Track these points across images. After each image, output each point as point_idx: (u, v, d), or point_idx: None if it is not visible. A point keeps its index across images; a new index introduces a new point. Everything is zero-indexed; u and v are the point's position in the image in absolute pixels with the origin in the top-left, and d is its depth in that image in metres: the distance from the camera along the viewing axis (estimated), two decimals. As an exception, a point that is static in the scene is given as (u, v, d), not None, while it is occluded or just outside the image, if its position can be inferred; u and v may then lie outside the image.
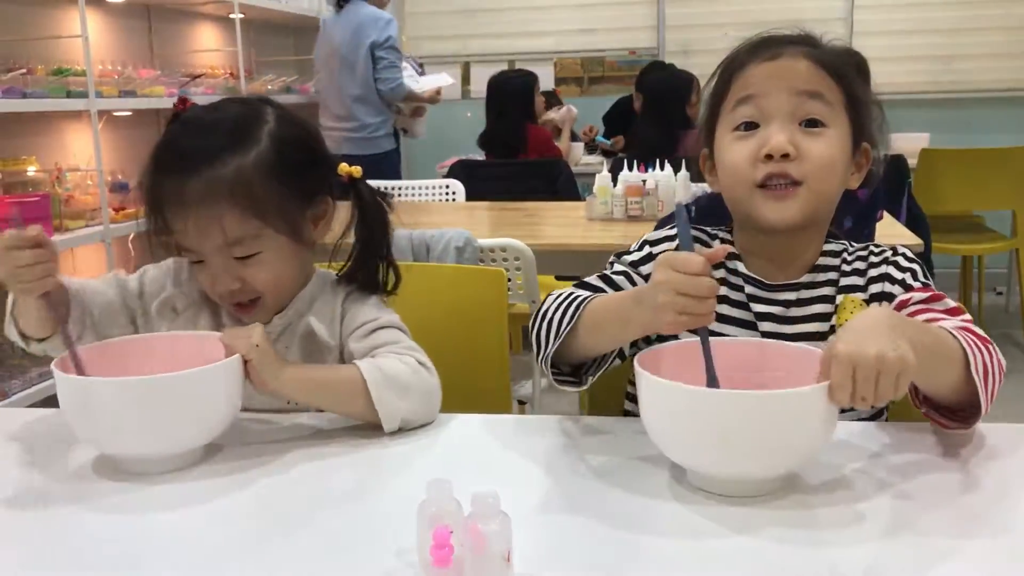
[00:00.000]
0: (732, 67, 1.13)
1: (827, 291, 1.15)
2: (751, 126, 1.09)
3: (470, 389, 1.49)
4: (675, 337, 1.06)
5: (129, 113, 3.57)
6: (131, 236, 3.53)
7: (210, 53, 4.30)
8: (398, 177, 4.72)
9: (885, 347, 0.84)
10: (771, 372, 0.98)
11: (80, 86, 3.05)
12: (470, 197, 3.61)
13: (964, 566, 0.78)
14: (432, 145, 5.24)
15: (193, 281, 1.22)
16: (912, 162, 3.96)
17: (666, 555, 0.81)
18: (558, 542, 0.84)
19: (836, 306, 1.13)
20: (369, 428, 1.10)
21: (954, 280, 4.65)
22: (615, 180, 2.76)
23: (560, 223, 2.81)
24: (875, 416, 1.14)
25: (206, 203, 1.07)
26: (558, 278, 2.98)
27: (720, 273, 1.16)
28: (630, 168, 2.82)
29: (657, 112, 3.76)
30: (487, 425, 1.14)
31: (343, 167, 1.20)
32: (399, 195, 3.67)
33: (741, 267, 1.16)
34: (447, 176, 4.01)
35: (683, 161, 2.77)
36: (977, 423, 1.00)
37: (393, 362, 1.10)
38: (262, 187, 1.10)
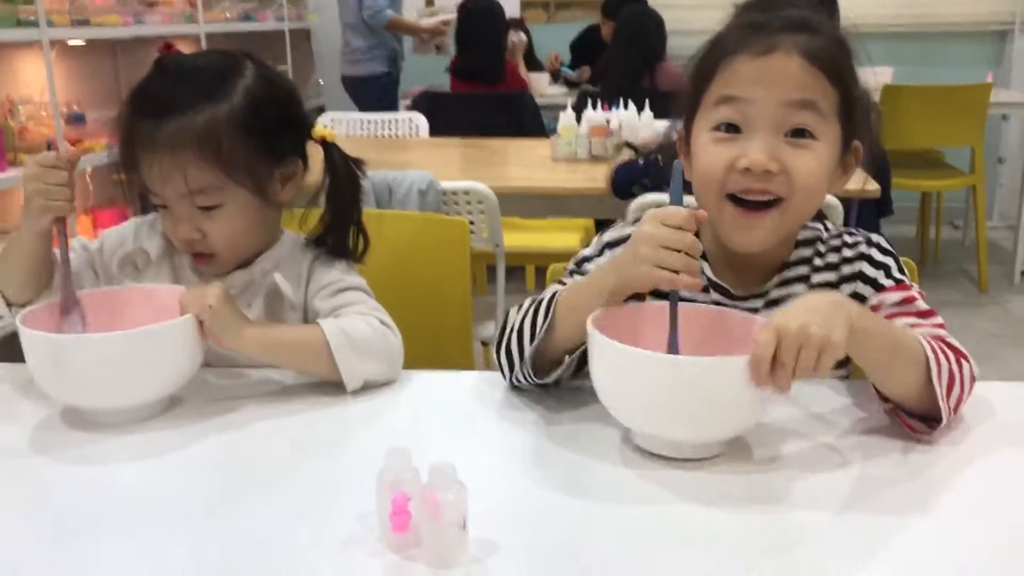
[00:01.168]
0: (720, 51, 1.04)
1: (798, 288, 1.11)
2: (732, 128, 1.02)
3: (433, 335, 1.51)
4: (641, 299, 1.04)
5: (83, 43, 3.47)
6: (89, 171, 3.47)
7: (166, -22, 4.17)
8: (391, 99, 4.77)
9: (812, 322, 0.86)
10: (736, 341, 0.98)
11: (30, 14, 2.95)
12: (434, 130, 3.58)
13: (901, 537, 0.81)
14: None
15: (154, 238, 1.23)
16: (874, 98, 3.97)
17: (613, 519, 0.84)
18: (512, 506, 0.86)
19: None
20: (331, 386, 1.12)
21: (913, 214, 4.73)
22: (579, 116, 2.76)
23: (525, 163, 2.81)
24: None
25: (173, 150, 1.09)
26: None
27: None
28: (594, 106, 2.81)
29: (630, 43, 3.73)
30: (448, 383, 1.16)
31: (317, 130, 1.21)
32: (364, 130, 3.64)
33: (707, 270, 1.12)
34: (411, 107, 3.98)
35: (647, 100, 2.76)
36: (940, 430, 0.97)
37: (357, 322, 1.12)
38: (230, 140, 1.11)
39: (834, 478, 0.90)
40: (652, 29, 3.80)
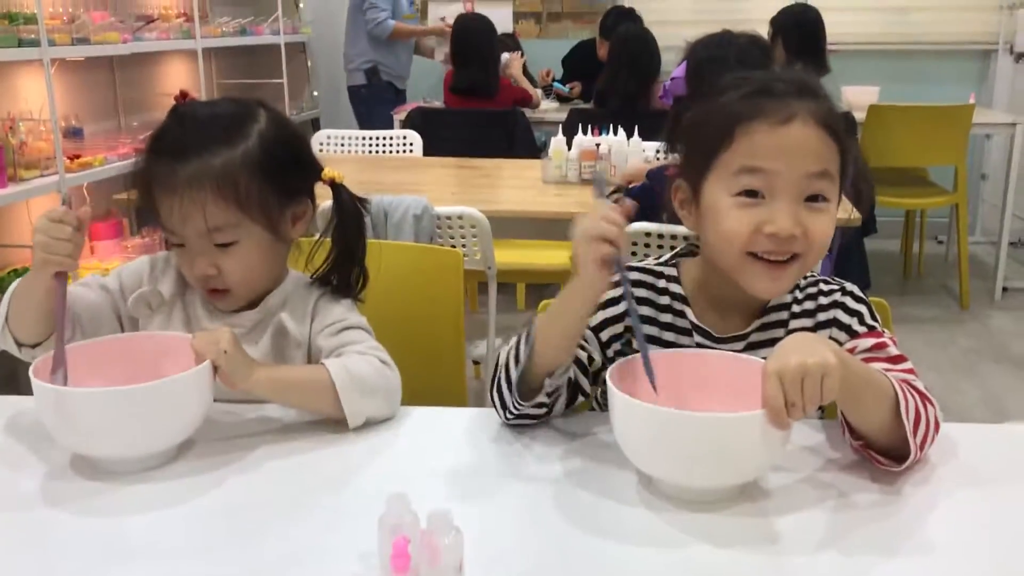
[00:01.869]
0: (735, 118, 1.09)
1: (777, 333, 1.17)
2: (754, 194, 1.08)
3: (427, 362, 1.57)
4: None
5: (81, 58, 3.52)
6: (85, 185, 3.52)
7: (163, -6, 4.22)
8: (360, 113, 4.84)
9: (804, 355, 0.93)
10: (725, 386, 1.06)
11: (31, 33, 3.00)
12: (427, 144, 3.64)
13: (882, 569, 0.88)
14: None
15: (167, 278, 1.29)
16: (861, 116, 4.06)
17: (621, 561, 0.89)
18: (514, 546, 0.92)
19: None
20: (331, 423, 1.17)
21: (898, 229, 4.81)
22: (570, 136, 2.83)
23: (516, 185, 2.87)
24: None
25: (192, 189, 1.15)
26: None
27: (667, 318, 1.20)
28: (584, 128, 2.88)
29: (631, 67, 3.78)
30: (447, 419, 1.22)
31: (327, 172, 1.28)
32: (359, 147, 3.69)
33: (690, 315, 1.18)
34: (405, 123, 4.04)
35: (636, 128, 2.83)
36: (907, 465, 1.03)
37: (359, 362, 1.18)
38: (246, 181, 1.18)
39: (832, 520, 0.96)
40: (650, 51, 3.87)
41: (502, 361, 1.14)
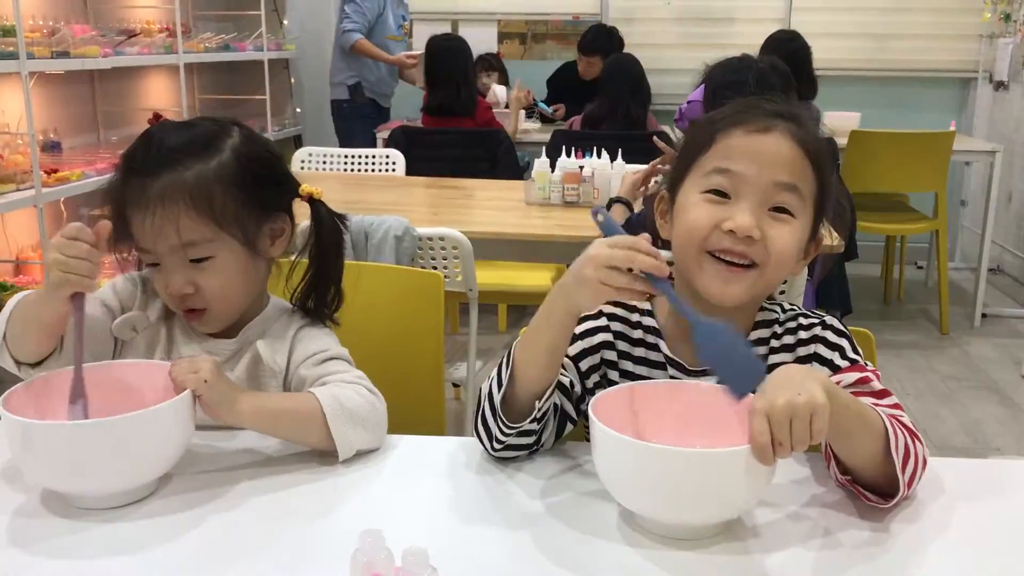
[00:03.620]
0: (717, 126, 1.12)
1: None
2: (721, 194, 1.09)
3: (405, 385, 1.54)
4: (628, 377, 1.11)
5: (62, 71, 3.49)
6: (62, 200, 3.48)
7: (146, 9, 4.19)
8: (340, 128, 4.83)
9: (792, 394, 0.91)
10: (705, 418, 1.03)
11: (10, 46, 2.97)
12: (410, 163, 3.62)
13: None
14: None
15: (156, 299, 1.25)
16: (842, 142, 4.08)
17: None
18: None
19: None
20: (317, 454, 1.14)
21: (878, 254, 4.84)
22: (553, 158, 2.82)
23: (498, 207, 2.85)
24: None
25: (165, 204, 1.13)
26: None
27: (640, 351, 1.18)
28: (568, 151, 2.87)
29: (632, 95, 3.79)
30: (431, 449, 1.19)
31: (304, 188, 1.25)
32: (341, 165, 3.67)
33: (664, 348, 1.17)
34: (388, 141, 4.02)
35: (620, 151, 2.82)
36: (895, 502, 1.01)
37: (348, 392, 1.15)
38: (220, 194, 1.16)
39: (815, 557, 0.94)
40: (644, 75, 3.89)
41: (484, 392, 1.11)
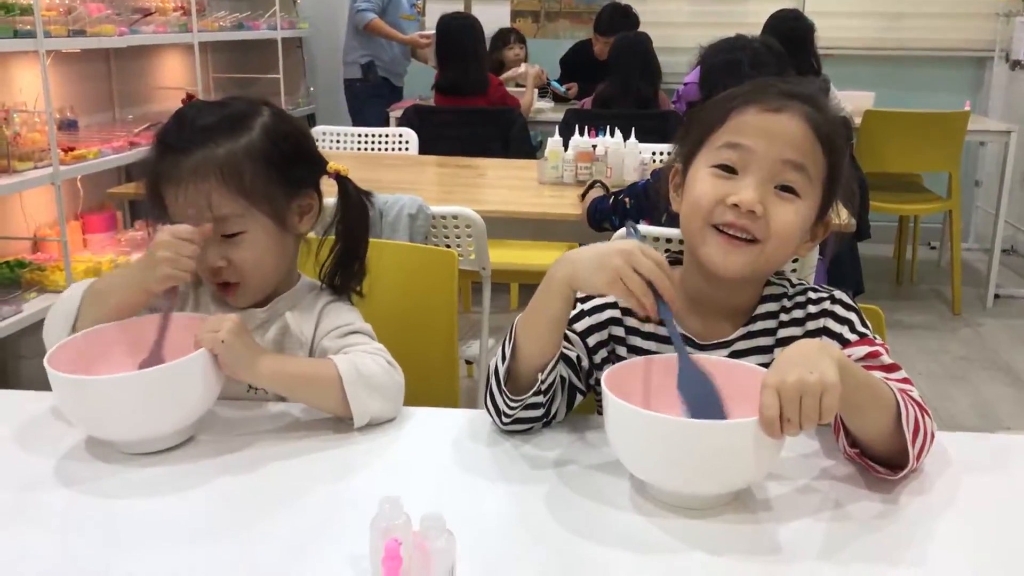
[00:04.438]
0: (732, 104, 1.13)
1: (764, 341, 1.17)
2: (730, 170, 1.11)
3: (420, 362, 1.56)
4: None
5: (77, 49, 3.51)
6: (79, 178, 3.51)
7: (160, -13, 4.20)
8: (353, 107, 4.84)
9: (804, 372, 0.92)
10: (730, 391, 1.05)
11: (27, 24, 2.99)
12: (422, 142, 3.63)
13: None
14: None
15: None
16: (856, 121, 4.07)
17: (615, 566, 0.89)
18: (508, 549, 0.92)
19: (773, 359, 1.12)
20: (336, 422, 1.17)
21: (891, 234, 4.83)
22: (566, 137, 2.83)
23: (511, 186, 2.87)
24: None
25: (197, 180, 1.17)
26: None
27: (649, 327, 1.19)
28: (581, 130, 2.88)
29: (642, 73, 3.79)
30: (448, 421, 1.21)
31: (332, 164, 1.29)
32: (355, 144, 3.69)
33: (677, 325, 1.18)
34: (401, 120, 4.04)
35: (633, 129, 2.83)
36: (904, 474, 1.03)
37: (368, 361, 1.18)
38: (251, 170, 1.19)
39: (824, 528, 0.96)
40: (654, 54, 3.89)
41: (491, 368, 1.14)
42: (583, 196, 2.46)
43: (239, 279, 1.23)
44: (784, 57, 2.27)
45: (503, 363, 1.11)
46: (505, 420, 1.13)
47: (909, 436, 1.01)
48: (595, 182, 2.46)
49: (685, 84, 2.38)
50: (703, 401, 1.02)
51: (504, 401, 1.12)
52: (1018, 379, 3.58)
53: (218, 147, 1.18)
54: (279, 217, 1.23)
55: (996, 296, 4.42)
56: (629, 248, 1.03)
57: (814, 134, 1.10)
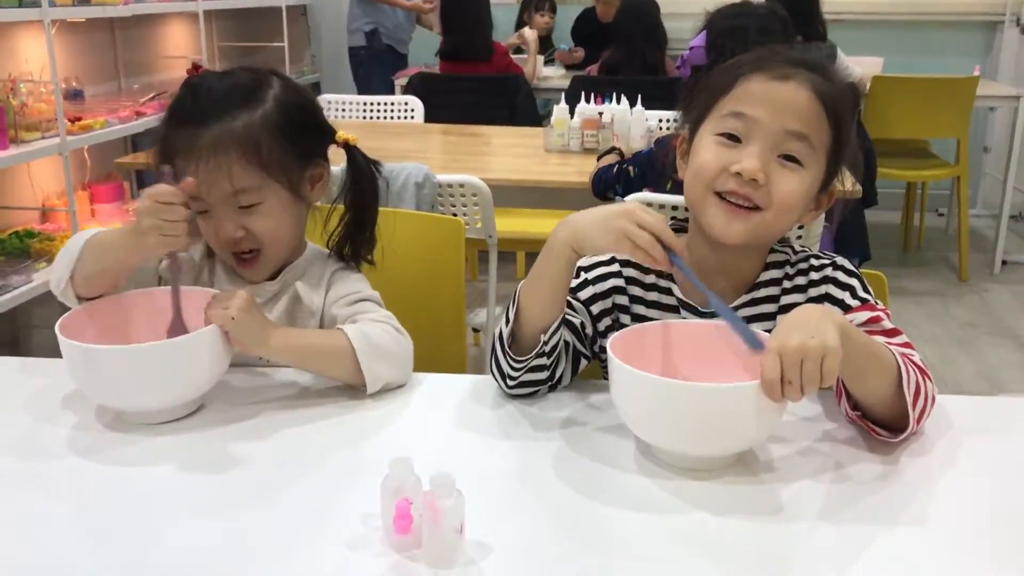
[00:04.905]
0: (738, 72, 1.14)
1: (768, 308, 1.19)
2: (734, 138, 1.12)
3: (428, 330, 1.58)
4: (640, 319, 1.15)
5: (82, 19, 3.50)
6: (86, 148, 3.51)
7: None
8: (359, 75, 4.81)
9: (806, 336, 0.94)
10: (717, 356, 1.07)
11: (32, -7, 2.98)
12: (428, 110, 3.63)
13: (894, 549, 0.89)
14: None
15: (195, 242, 1.29)
16: (864, 87, 4.05)
17: (614, 526, 0.91)
18: (513, 510, 0.94)
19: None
20: (344, 389, 1.19)
21: (899, 201, 4.81)
22: (572, 104, 2.82)
23: (517, 153, 2.87)
24: None
25: (216, 154, 1.17)
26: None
27: (653, 295, 1.21)
28: (587, 98, 2.87)
29: (647, 37, 3.77)
30: (457, 386, 1.23)
31: (340, 134, 1.30)
32: (360, 112, 3.68)
33: (676, 291, 1.20)
34: (406, 88, 4.03)
35: (640, 97, 2.82)
36: (904, 437, 1.05)
37: (376, 329, 1.19)
38: (267, 142, 1.20)
39: (827, 490, 0.98)
40: (659, 20, 3.87)
41: (496, 332, 1.16)
42: (599, 158, 2.46)
43: (258, 246, 1.23)
44: (789, 24, 2.26)
45: (507, 326, 1.13)
46: (510, 383, 1.15)
47: (910, 400, 1.02)
48: (612, 148, 2.45)
49: (691, 48, 2.36)
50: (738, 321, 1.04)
51: (508, 364, 1.13)
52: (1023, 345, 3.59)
53: (235, 120, 1.18)
54: (294, 187, 1.24)
55: (1003, 262, 4.41)
56: (630, 207, 1.05)
57: (820, 103, 1.11)
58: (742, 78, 1.13)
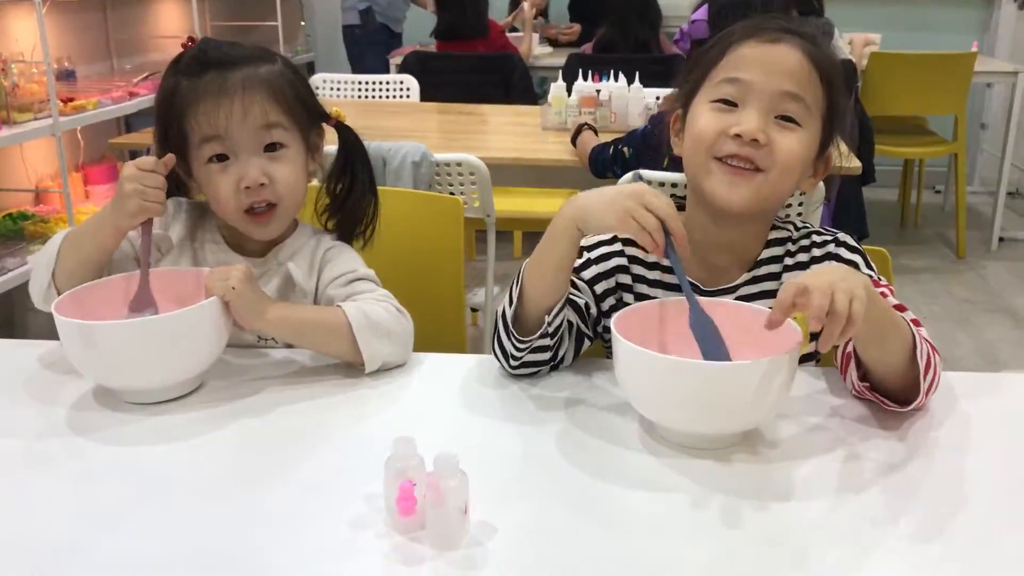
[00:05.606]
0: (729, 41, 1.14)
1: (769, 286, 1.18)
2: (730, 103, 1.11)
3: (427, 308, 1.57)
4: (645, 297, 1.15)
5: (73, -1, 3.47)
6: (79, 128, 3.48)
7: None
8: (353, 54, 4.78)
9: (835, 279, 0.92)
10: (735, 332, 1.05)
11: (22, -28, 2.95)
12: (424, 89, 3.60)
13: (900, 532, 0.88)
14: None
15: (177, 223, 1.29)
16: (863, 63, 4.03)
17: (625, 505, 0.91)
18: (517, 490, 0.93)
19: None
20: (344, 368, 1.18)
21: (896, 178, 4.80)
22: (569, 82, 2.80)
23: (514, 132, 2.85)
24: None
25: (248, 90, 1.18)
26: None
27: (655, 275, 1.20)
28: (585, 75, 2.85)
29: (640, 16, 3.74)
30: (458, 366, 1.22)
31: (335, 110, 1.31)
32: (355, 91, 3.65)
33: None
34: (401, 67, 4.00)
35: (637, 74, 2.80)
36: (912, 407, 1.04)
37: (376, 308, 1.18)
38: (289, 90, 1.22)
39: (834, 467, 0.97)
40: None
41: (498, 312, 1.15)
42: (573, 140, 2.45)
43: (277, 199, 1.22)
44: None
45: (511, 307, 1.12)
46: (513, 363, 1.14)
47: (922, 367, 1.02)
48: (583, 125, 2.45)
49: (692, 22, 2.34)
50: (712, 341, 1.03)
51: (512, 344, 1.12)
52: (1021, 321, 3.59)
53: (259, 68, 1.20)
54: (308, 143, 1.26)
55: (1000, 239, 4.41)
56: (640, 189, 1.04)
57: (811, 64, 1.11)
58: (732, 45, 1.13)
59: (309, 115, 1.26)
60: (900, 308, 1.12)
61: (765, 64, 1.10)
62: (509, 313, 1.12)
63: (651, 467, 0.97)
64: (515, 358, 1.14)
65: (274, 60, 1.24)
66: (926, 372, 1.03)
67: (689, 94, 1.18)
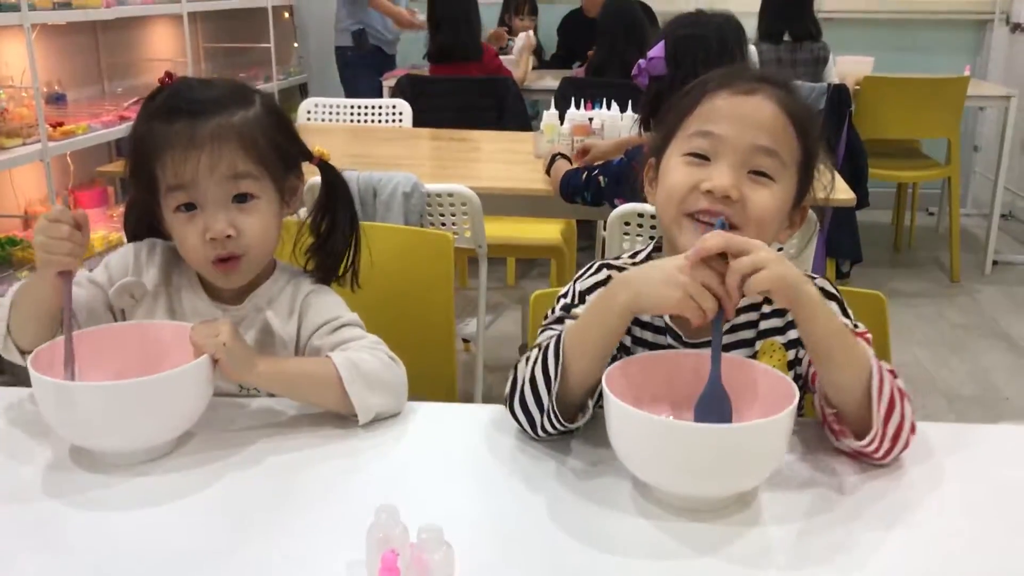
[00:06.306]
0: (703, 90, 1.12)
1: (747, 334, 1.15)
2: (702, 157, 1.09)
3: (416, 345, 1.55)
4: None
5: (64, 23, 3.45)
6: (68, 153, 3.46)
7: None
8: (345, 76, 4.76)
9: (771, 256, 0.96)
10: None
11: (12, -2, 2.93)
12: (417, 112, 3.58)
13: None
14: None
15: (152, 267, 1.26)
16: (855, 87, 4.03)
17: (614, 570, 0.88)
18: (506, 560, 0.90)
19: (755, 352, 1.14)
20: (337, 417, 1.15)
21: (889, 200, 4.80)
22: (562, 108, 2.78)
23: (507, 160, 2.83)
24: None
25: (217, 141, 1.15)
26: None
27: (636, 331, 1.17)
28: (578, 103, 2.83)
29: (627, 38, 3.73)
30: (452, 417, 1.20)
31: (317, 149, 1.29)
32: (348, 116, 3.63)
33: (665, 316, 1.16)
34: (394, 89, 3.98)
35: (630, 101, 2.79)
36: (869, 441, 1.01)
37: (365, 356, 1.16)
38: (262, 139, 1.19)
39: (832, 529, 0.95)
40: (643, 19, 3.82)
41: (525, 376, 1.08)
42: (547, 170, 2.43)
43: (244, 251, 1.19)
44: (742, 31, 2.25)
45: (554, 381, 1.05)
46: (540, 433, 1.09)
47: (875, 399, 0.99)
48: (557, 154, 2.43)
49: (649, 59, 2.32)
50: (716, 414, 1.00)
51: (550, 423, 1.07)
52: (1016, 346, 3.58)
53: (232, 115, 1.17)
54: (280, 191, 1.23)
55: (994, 263, 4.41)
56: (689, 263, 0.99)
57: (786, 117, 1.09)
58: (706, 95, 1.11)
59: (285, 161, 1.23)
60: (881, 358, 1.09)
61: (739, 118, 1.08)
62: (552, 394, 1.05)
63: (644, 531, 0.95)
64: (545, 431, 1.08)
65: (251, 104, 1.20)
66: (888, 414, 1.00)
67: (662, 143, 1.16)
